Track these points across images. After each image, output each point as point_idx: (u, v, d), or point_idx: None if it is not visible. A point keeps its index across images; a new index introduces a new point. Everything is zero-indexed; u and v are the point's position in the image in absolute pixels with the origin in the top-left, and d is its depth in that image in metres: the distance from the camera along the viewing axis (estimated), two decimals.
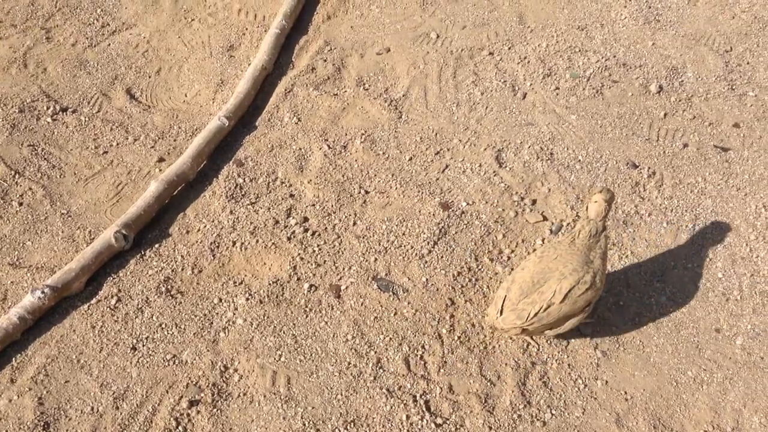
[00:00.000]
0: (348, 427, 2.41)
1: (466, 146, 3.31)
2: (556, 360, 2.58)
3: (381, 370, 2.56)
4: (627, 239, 2.93)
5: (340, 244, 2.95)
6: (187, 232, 3.01)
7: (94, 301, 2.77)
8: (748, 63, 3.64)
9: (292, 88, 3.62)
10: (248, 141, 3.38)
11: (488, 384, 2.52)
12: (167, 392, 2.50)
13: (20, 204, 3.10)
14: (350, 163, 3.27)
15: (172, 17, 4.05)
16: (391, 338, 2.64)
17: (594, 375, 2.54)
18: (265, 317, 2.71)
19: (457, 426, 2.41)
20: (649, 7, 3.95)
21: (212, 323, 2.70)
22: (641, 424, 2.42)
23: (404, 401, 2.47)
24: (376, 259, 2.89)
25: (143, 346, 2.63)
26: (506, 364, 2.57)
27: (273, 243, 2.95)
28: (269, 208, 3.08)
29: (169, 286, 2.80)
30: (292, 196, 3.14)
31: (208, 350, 2.62)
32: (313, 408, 2.46)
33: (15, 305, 2.68)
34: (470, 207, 3.06)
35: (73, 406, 2.46)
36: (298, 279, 2.83)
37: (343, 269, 2.86)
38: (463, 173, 3.20)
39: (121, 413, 2.44)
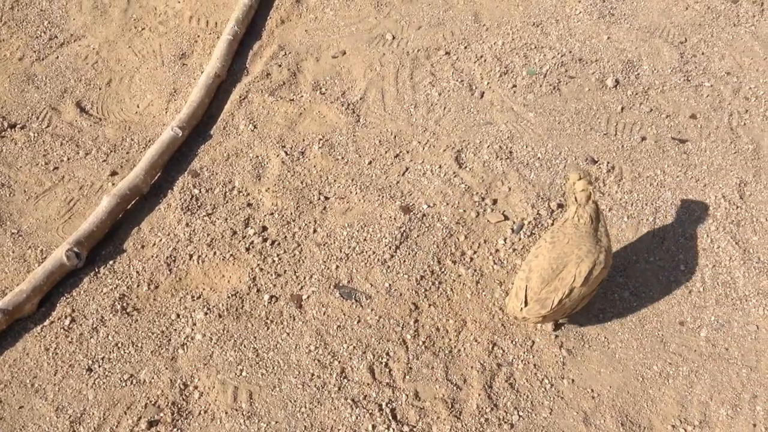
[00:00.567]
0: None
1: (426, 148, 3.27)
2: (521, 360, 2.55)
3: (345, 380, 2.51)
4: None
5: (300, 253, 2.89)
6: (142, 246, 2.93)
7: (47, 322, 2.68)
8: (702, 53, 3.65)
9: (247, 95, 3.56)
10: (203, 150, 3.31)
11: (454, 388, 2.48)
12: (125, 413, 2.43)
13: None
14: (309, 169, 3.21)
15: (121, 27, 3.95)
16: (354, 347, 2.60)
17: (560, 374, 2.52)
18: (225, 331, 2.65)
19: None
20: (604, 2, 3.95)
21: (170, 340, 2.63)
22: (609, 422, 2.40)
23: (370, 411, 2.43)
24: (337, 267, 2.84)
25: (99, 366, 2.55)
26: (472, 367, 2.54)
27: (231, 254, 2.89)
28: (226, 219, 3.02)
29: (124, 304, 2.73)
30: (249, 205, 3.07)
31: (166, 368, 2.54)
32: (276, 422, 2.40)
33: None
34: (431, 209, 3.02)
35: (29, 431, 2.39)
36: (258, 290, 2.77)
37: (304, 278, 2.81)
38: (423, 175, 3.16)
39: None
